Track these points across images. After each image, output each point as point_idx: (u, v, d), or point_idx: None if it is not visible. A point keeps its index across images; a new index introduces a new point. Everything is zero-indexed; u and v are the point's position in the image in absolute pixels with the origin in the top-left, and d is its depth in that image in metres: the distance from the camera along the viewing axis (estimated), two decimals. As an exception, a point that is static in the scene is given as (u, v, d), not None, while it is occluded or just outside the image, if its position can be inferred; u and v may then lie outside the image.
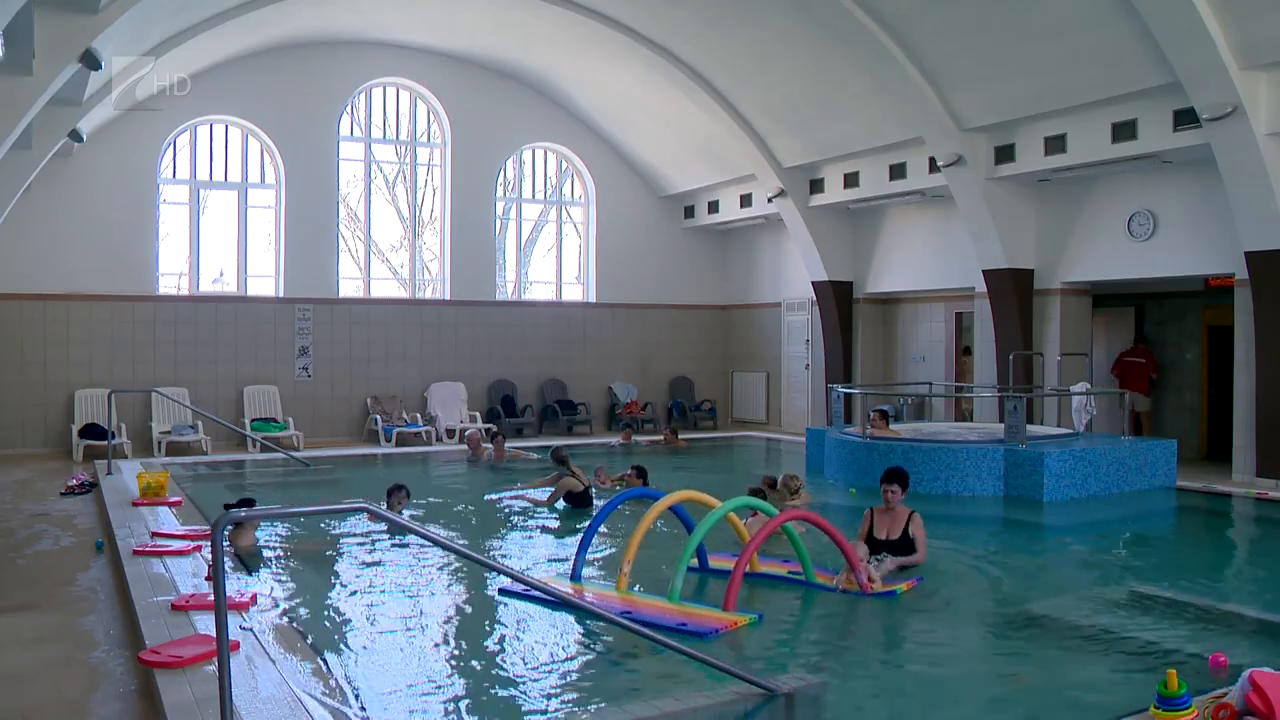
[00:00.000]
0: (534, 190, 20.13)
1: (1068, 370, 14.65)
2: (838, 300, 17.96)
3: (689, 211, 20.70)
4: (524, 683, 5.35)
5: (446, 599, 7.32)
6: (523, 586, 6.19)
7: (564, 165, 20.25)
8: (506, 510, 10.90)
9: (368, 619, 6.63)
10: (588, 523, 7.93)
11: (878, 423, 13.10)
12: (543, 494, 11.03)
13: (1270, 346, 11.85)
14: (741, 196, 19.26)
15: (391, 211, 19.13)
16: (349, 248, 18.64)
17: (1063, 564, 8.55)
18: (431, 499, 11.32)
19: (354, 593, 7.37)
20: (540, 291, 20.30)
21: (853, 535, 7.59)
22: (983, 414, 15.54)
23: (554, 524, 10.05)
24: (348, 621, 6.55)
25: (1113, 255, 14.10)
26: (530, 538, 9.57)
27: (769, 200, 18.09)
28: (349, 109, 18.20)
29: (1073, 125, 13.26)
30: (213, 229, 17.51)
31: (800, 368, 19.26)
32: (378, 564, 8.21)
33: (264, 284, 17.59)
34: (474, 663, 5.70)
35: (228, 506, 6.91)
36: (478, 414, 18.16)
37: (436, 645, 6.19)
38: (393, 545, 8.73)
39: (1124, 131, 12.67)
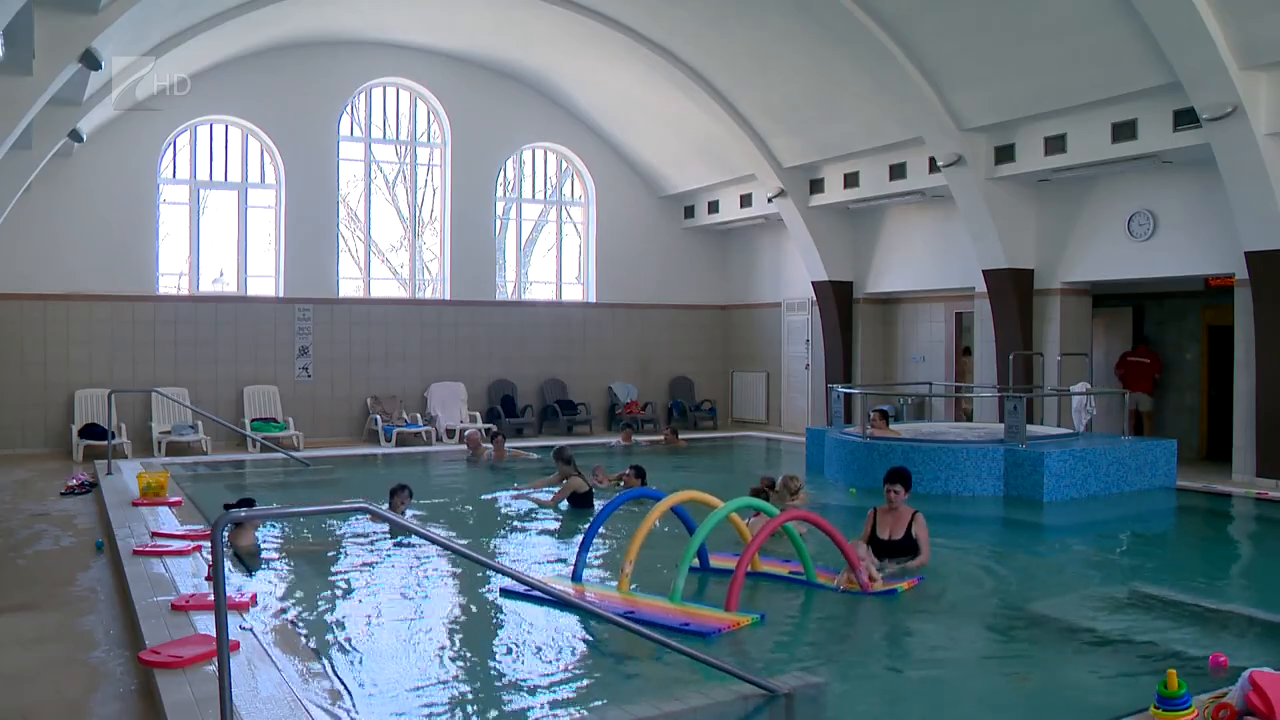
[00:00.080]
0: (534, 190, 20.13)
1: (1068, 370, 14.64)
2: (838, 300, 17.96)
3: (689, 211, 20.70)
4: (524, 682, 5.35)
5: (447, 599, 7.32)
6: (524, 587, 6.18)
7: (564, 165, 20.25)
8: (507, 510, 10.90)
9: (368, 619, 6.63)
10: (589, 523, 7.92)
11: (878, 423, 13.10)
12: (546, 494, 11.03)
13: (1270, 346, 11.85)
14: (741, 196, 19.26)
15: (391, 211, 19.13)
16: (349, 248, 18.64)
17: (1063, 564, 8.55)
18: (432, 499, 11.31)
19: (354, 593, 7.36)
20: (540, 291, 20.31)
21: (854, 535, 7.58)
22: (983, 414, 15.54)
23: (555, 524, 10.04)
24: (348, 621, 6.55)
25: (1113, 255, 14.10)
26: (532, 538, 9.56)
27: (769, 200, 18.09)
28: (349, 109, 18.20)
29: (1073, 125, 13.26)
30: (213, 229, 17.51)
31: (800, 368, 19.26)
32: (378, 564, 8.21)
33: (264, 284, 17.59)
34: (475, 663, 5.70)
35: (228, 506, 6.91)
36: (478, 414, 18.16)
37: (437, 645, 6.18)
38: (393, 545, 8.73)
39: (1124, 131, 12.67)
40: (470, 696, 5.14)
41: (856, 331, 18.15)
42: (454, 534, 9.51)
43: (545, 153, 20.07)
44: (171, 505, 10.09)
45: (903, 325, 18.19)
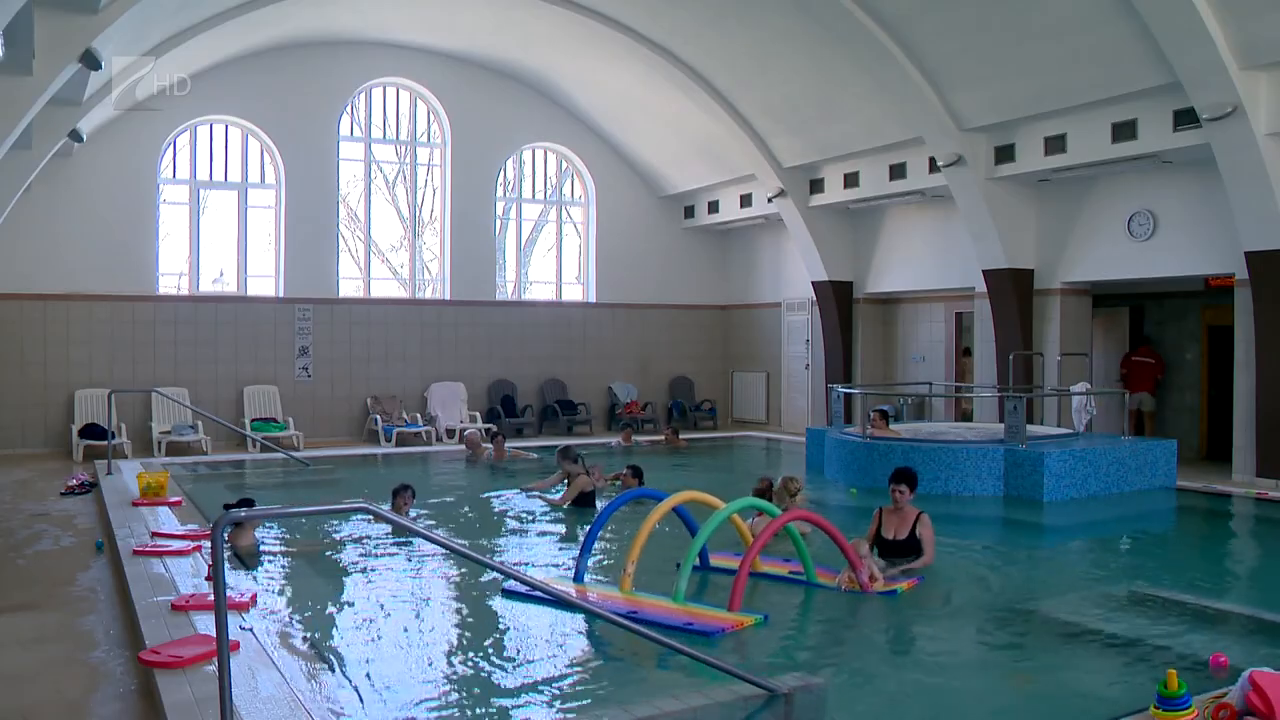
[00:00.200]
0: (534, 190, 20.13)
1: (1068, 370, 14.64)
2: (838, 300, 17.96)
3: (689, 211, 20.70)
4: (525, 682, 5.35)
5: (448, 599, 7.32)
6: (526, 587, 6.18)
7: (564, 165, 20.25)
8: (509, 510, 10.90)
9: (368, 619, 6.63)
10: (591, 523, 7.93)
11: (878, 423, 13.10)
12: (554, 494, 11.05)
13: (1270, 346, 11.85)
14: (741, 196, 19.26)
15: (391, 211, 19.13)
16: (349, 248, 18.64)
17: (1063, 564, 8.55)
18: (432, 499, 11.31)
19: (354, 593, 7.36)
20: (540, 291, 20.30)
21: (856, 535, 7.58)
22: (983, 414, 15.54)
23: (557, 524, 10.04)
24: (348, 621, 6.55)
25: (1113, 255, 14.10)
26: (533, 538, 9.56)
27: (769, 200, 18.09)
28: (349, 109, 18.20)
29: (1073, 125, 13.26)
30: (213, 229, 17.51)
31: (800, 368, 19.26)
32: (378, 564, 8.20)
33: (264, 284, 17.59)
34: (475, 663, 5.70)
35: (227, 506, 6.92)
36: (478, 414, 18.16)
37: (438, 645, 6.18)
38: (393, 545, 8.73)
39: (1124, 131, 12.67)
40: (471, 697, 5.13)
41: (856, 331, 18.15)
42: (455, 534, 9.51)
43: (545, 153, 20.07)
44: (171, 505, 10.08)
45: (903, 325, 18.19)
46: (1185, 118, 11.85)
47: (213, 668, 4.84)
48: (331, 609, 6.84)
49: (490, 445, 14.95)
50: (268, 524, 9.17)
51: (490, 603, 6.93)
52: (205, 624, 5.75)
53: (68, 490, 11.49)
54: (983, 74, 13.36)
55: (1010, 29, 12.50)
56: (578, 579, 7.16)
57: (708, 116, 17.28)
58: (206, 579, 6.85)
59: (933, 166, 15.01)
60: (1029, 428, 11.85)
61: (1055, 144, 13.48)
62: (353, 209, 18.66)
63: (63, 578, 7.48)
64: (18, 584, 7.37)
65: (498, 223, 19.43)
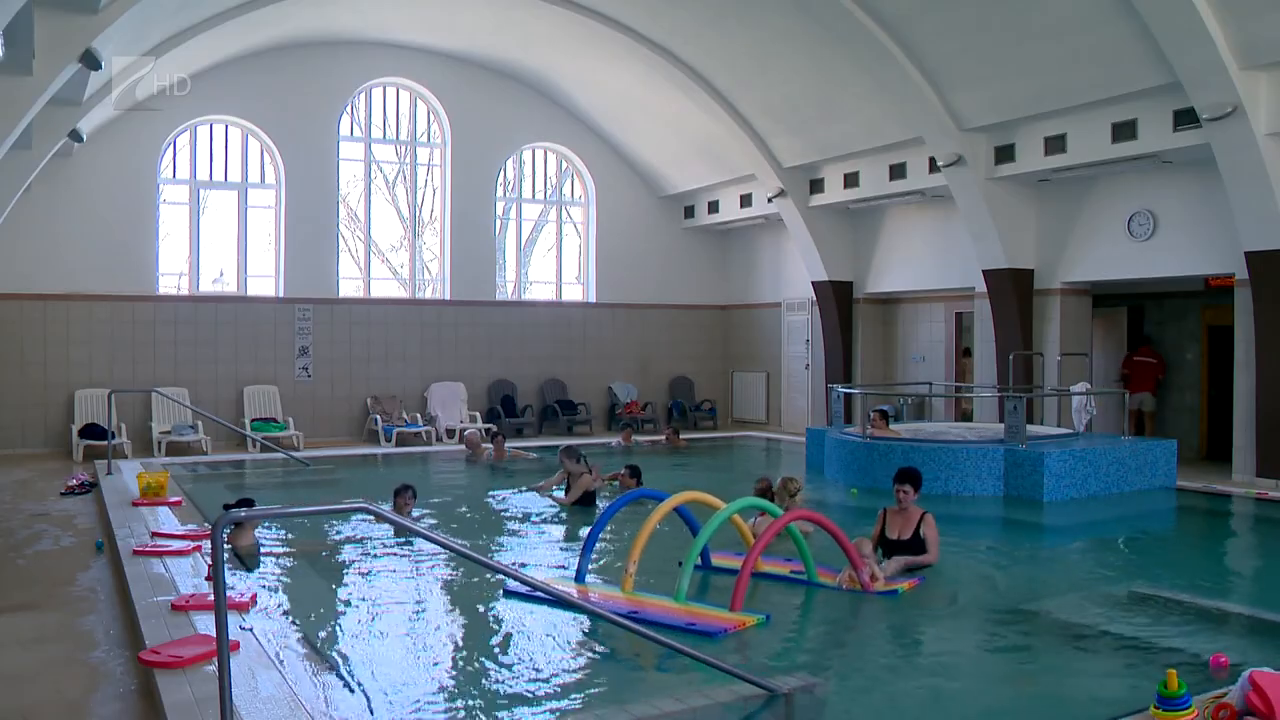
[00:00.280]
0: (534, 190, 20.13)
1: (1068, 370, 14.64)
2: (838, 300, 17.96)
3: (689, 211, 20.70)
4: (525, 682, 5.35)
5: (448, 599, 7.32)
6: (527, 587, 6.18)
7: (564, 165, 20.25)
8: (509, 511, 10.90)
9: (368, 619, 6.63)
10: (592, 523, 7.93)
11: (878, 423, 13.10)
12: (559, 492, 11.06)
13: (1270, 346, 11.85)
14: (741, 196, 19.26)
15: (391, 211, 19.13)
16: (349, 248, 18.64)
17: (1063, 564, 8.55)
18: (433, 500, 11.31)
19: (354, 593, 7.36)
20: (540, 291, 20.30)
21: (857, 535, 7.58)
22: (983, 414, 15.54)
23: (557, 525, 10.05)
24: (348, 621, 6.55)
25: (1113, 255, 14.10)
26: (534, 538, 9.56)
27: (769, 200, 18.09)
28: (349, 109, 18.20)
29: (1073, 125, 13.25)
30: (213, 229, 17.51)
31: (800, 368, 19.26)
32: (378, 564, 8.20)
33: (264, 284, 17.59)
34: (476, 663, 5.70)
35: (227, 506, 6.91)
36: (478, 414, 18.16)
37: (438, 645, 6.18)
38: (394, 546, 8.73)
39: (1124, 131, 12.67)
40: (471, 697, 5.13)
41: (856, 331, 18.15)
42: (455, 535, 9.51)
43: (545, 153, 20.07)
44: (171, 505, 10.09)
45: (903, 325, 18.19)
46: (1185, 118, 11.85)
47: (213, 668, 4.84)
48: (331, 609, 6.84)
49: (490, 445, 14.95)
50: (268, 524, 9.16)
51: (491, 603, 6.92)
52: (205, 624, 5.75)
53: (68, 490, 11.49)
54: (983, 74, 13.36)
55: (1010, 29, 12.50)
56: (579, 579, 7.16)
57: (708, 116, 17.28)
58: (206, 579, 6.85)
59: (933, 166, 15.01)
60: (1029, 428, 11.85)
61: (1055, 144, 13.48)
62: (353, 209, 18.67)
63: (63, 578, 7.48)
64: (18, 584, 7.37)
65: (498, 223, 19.43)
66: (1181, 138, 12.05)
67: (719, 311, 21.14)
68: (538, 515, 10.46)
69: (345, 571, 8.00)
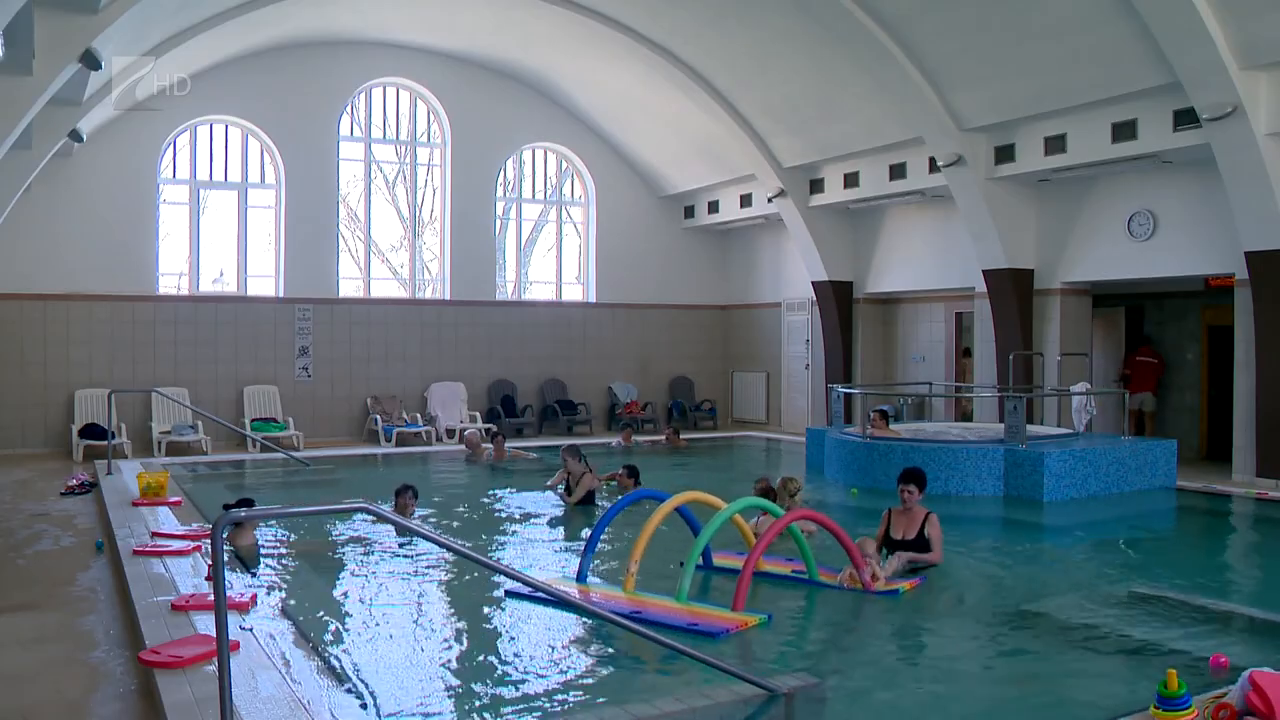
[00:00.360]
0: (534, 190, 20.13)
1: (1068, 370, 14.64)
2: (838, 300, 17.96)
3: (689, 211, 20.70)
4: (526, 682, 5.35)
5: (448, 600, 7.32)
6: (528, 588, 6.18)
7: (564, 165, 20.25)
8: (509, 511, 10.91)
9: (368, 619, 6.63)
10: (594, 523, 7.93)
11: (878, 423, 13.10)
12: (561, 489, 11.08)
13: (1270, 346, 11.85)
14: (741, 196, 19.26)
15: (391, 211, 19.13)
16: (349, 248, 18.64)
17: (1063, 564, 8.54)
18: (433, 500, 11.31)
19: (354, 593, 7.37)
20: (540, 291, 20.30)
21: (859, 535, 7.59)
22: (983, 414, 15.54)
23: (558, 525, 10.05)
24: (348, 621, 6.55)
25: (1113, 255, 14.10)
26: (535, 539, 9.55)
27: (769, 200, 18.09)
28: (349, 109, 18.20)
29: (1073, 125, 13.25)
30: (213, 229, 17.51)
31: (800, 368, 19.26)
32: (379, 564, 8.21)
33: (264, 284, 17.59)
34: (477, 663, 5.70)
35: (227, 506, 6.92)
36: (478, 414, 18.16)
37: (439, 645, 6.18)
38: (394, 546, 8.73)
39: (1124, 131, 12.67)
40: (472, 697, 5.13)
41: (856, 331, 18.15)
42: (456, 535, 9.51)
43: (545, 153, 20.07)
44: (171, 505, 10.08)
45: (903, 325, 18.19)
46: (1185, 118, 11.85)
47: (213, 668, 4.84)
48: (331, 609, 6.84)
49: (490, 445, 14.95)
50: (268, 524, 9.16)
51: (492, 604, 6.92)
52: (205, 624, 5.75)
53: (68, 490, 11.49)
54: (983, 74, 13.36)
55: (1010, 29, 12.50)
56: (580, 579, 7.16)
57: (708, 116, 17.28)
58: (206, 579, 6.85)
59: (933, 166, 15.01)
60: (1029, 428, 11.85)
61: (1055, 144, 13.48)
62: (353, 209, 18.66)
63: (63, 578, 7.48)
64: (18, 584, 7.37)
65: (498, 223, 19.43)
66: (1181, 138, 12.05)
67: (719, 311, 21.14)
68: (538, 515, 10.47)
69: (345, 571, 8.00)
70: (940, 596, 7.13)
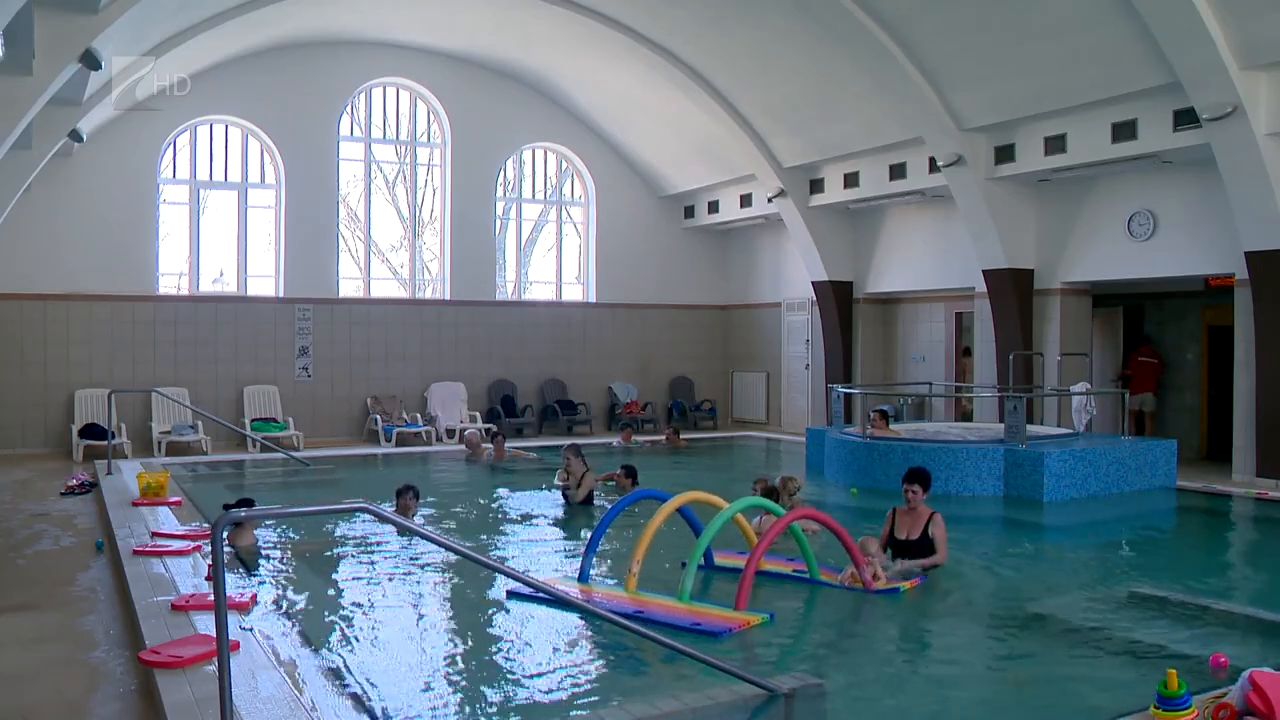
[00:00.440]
0: (534, 190, 20.13)
1: (1068, 370, 14.64)
2: (838, 300, 17.96)
3: (689, 211, 20.70)
4: (526, 682, 5.35)
5: (449, 600, 7.32)
6: (529, 588, 6.18)
7: (564, 165, 20.25)
8: (509, 511, 10.91)
9: (369, 619, 6.63)
10: (592, 523, 7.92)
11: (878, 423, 13.10)
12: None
13: (1270, 346, 11.85)
14: (741, 196, 19.26)
15: (391, 211, 19.13)
16: (349, 248, 18.64)
17: (1063, 564, 8.54)
18: (433, 500, 11.31)
19: (354, 593, 7.36)
20: (540, 291, 20.30)
21: (859, 534, 7.59)
22: (983, 414, 15.54)
23: (559, 525, 10.05)
24: (348, 621, 6.55)
25: (1113, 255, 14.10)
26: (536, 538, 9.55)
27: (769, 200, 18.09)
28: (349, 109, 18.20)
29: (1073, 125, 13.25)
30: (213, 229, 17.51)
31: (800, 368, 19.26)
32: (379, 564, 8.21)
33: (264, 284, 17.59)
34: (477, 663, 5.70)
35: (227, 507, 6.90)
36: (478, 414, 18.15)
37: (439, 645, 6.19)
38: (394, 546, 8.73)
39: (1124, 131, 12.67)
40: (472, 697, 5.13)
41: (856, 331, 18.15)
42: (456, 535, 9.50)
43: (545, 153, 20.07)
44: (171, 505, 10.08)
45: (903, 325, 18.19)
46: (1185, 118, 11.85)
47: (213, 668, 4.84)
48: (331, 609, 6.84)
49: (490, 445, 14.95)
50: (268, 524, 9.16)
51: (493, 604, 6.92)
52: (205, 624, 5.75)
53: (68, 490, 11.48)
54: (983, 74, 13.36)
55: (1010, 29, 12.49)
56: (582, 579, 7.16)
57: (708, 116, 17.28)
58: (206, 579, 6.85)
59: (933, 166, 15.01)
60: (1029, 428, 11.85)
61: (1055, 144, 13.48)
62: (353, 209, 18.66)
63: (63, 578, 7.48)
64: (18, 584, 7.37)
65: (498, 223, 19.43)
66: (1181, 138, 12.05)
67: (719, 311, 21.14)
68: (538, 515, 10.47)
69: (345, 572, 7.99)
70: (941, 596, 7.13)
